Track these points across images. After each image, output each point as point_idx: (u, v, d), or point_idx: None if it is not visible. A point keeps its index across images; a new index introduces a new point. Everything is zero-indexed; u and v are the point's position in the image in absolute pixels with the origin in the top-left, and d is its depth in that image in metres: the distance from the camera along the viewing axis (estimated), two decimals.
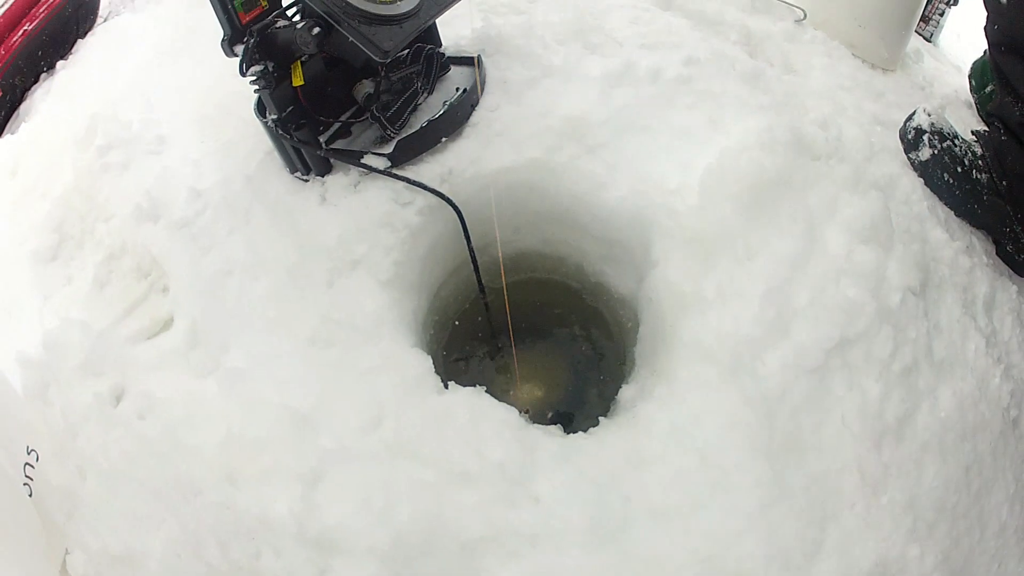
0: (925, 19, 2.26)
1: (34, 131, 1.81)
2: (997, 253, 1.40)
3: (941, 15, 2.28)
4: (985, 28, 1.29)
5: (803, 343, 1.04)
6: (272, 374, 1.04)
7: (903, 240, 1.20)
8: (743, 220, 1.10)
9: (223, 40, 1.15)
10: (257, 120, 1.22)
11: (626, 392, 1.09)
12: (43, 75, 2.08)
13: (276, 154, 1.24)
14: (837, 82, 1.59)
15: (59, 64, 2.05)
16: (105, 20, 2.16)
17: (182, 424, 1.06)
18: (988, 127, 1.39)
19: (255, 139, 1.28)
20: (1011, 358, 1.24)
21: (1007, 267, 1.39)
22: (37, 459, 1.17)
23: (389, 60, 1.09)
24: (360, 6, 1.10)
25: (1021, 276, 1.40)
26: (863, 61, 1.76)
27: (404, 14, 1.12)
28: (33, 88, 2.08)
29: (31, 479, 1.15)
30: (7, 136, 1.91)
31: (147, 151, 1.41)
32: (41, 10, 2.06)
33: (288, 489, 0.97)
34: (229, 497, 1.00)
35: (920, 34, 2.26)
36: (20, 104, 2.07)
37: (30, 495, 1.13)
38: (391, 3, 1.12)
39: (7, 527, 1.09)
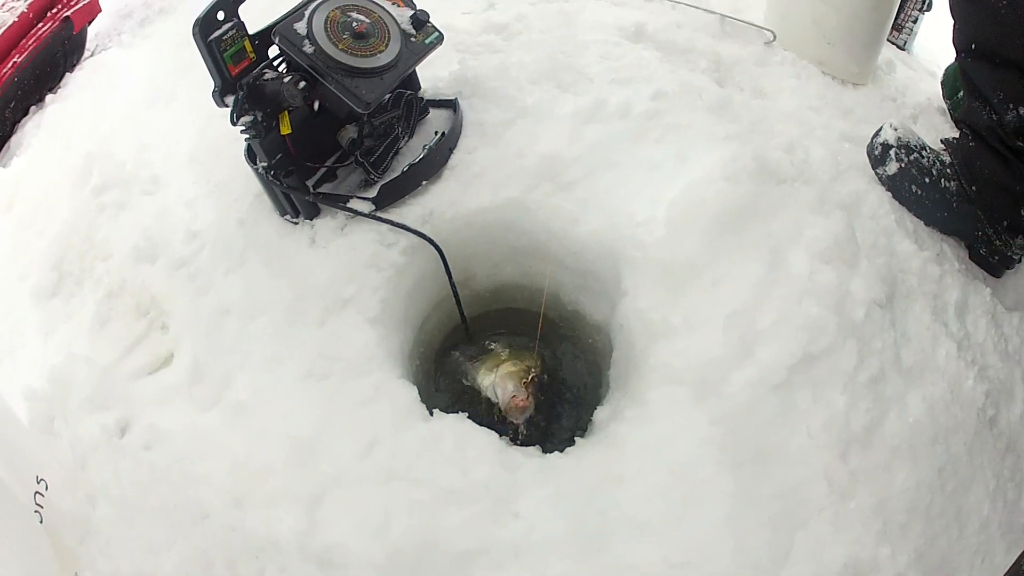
0: (898, 28, 2.26)
1: (28, 166, 1.86)
2: (970, 257, 1.41)
3: (914, 22, 2.27)
4: (952, 34, 1.32)
5: (767, 362, 1.11)
6: (272, 406, 1.12)
7: (869, 255, 1.26)
8: (708, 249, 1.18)
9: (214, 91, 1.22)
10: (246, 164, 1.29)
11: (601, 413, 1.18)
12: (33, 108, 2.13)
13: (266, 196, 1.31)
14: (806, 102, 1.64)
15: (48, 98, 2.10)
16: (92, 54, 2.21)
17: (189, 454, 1.13)
18: (958, 133, 1.42)
19: (245, 181, 1.35)
20: (986, 359, 1.27)
21: (981, 270, 1.40)
22: (47, 488, 1.24)
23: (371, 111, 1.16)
24: (342, 60, 1.17)
25: (997, 277, 1.41)
26: (833, 78, 1.79)
27: (384, 66, 1.19)
28: (23, 121, 2.12)
29: (41, 507, 1.21)
30: None
31: (142, 191, 1.48)
32: (30, 42, 2.09)
33: (291, 511, 1.05)
34: (236, 520, 1.08)
35: (893, 43, 2.26)
36: (11, 137, 2.11)
37: (41, 522, 1.20)
38: (371, 56, 1.20)
39: (19, 551, 1.16)
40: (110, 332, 1.34)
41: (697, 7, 1.78)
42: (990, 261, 1.39)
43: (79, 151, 1.70)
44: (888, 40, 2.06)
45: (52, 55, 2.15)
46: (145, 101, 1.71)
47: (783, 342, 1.13)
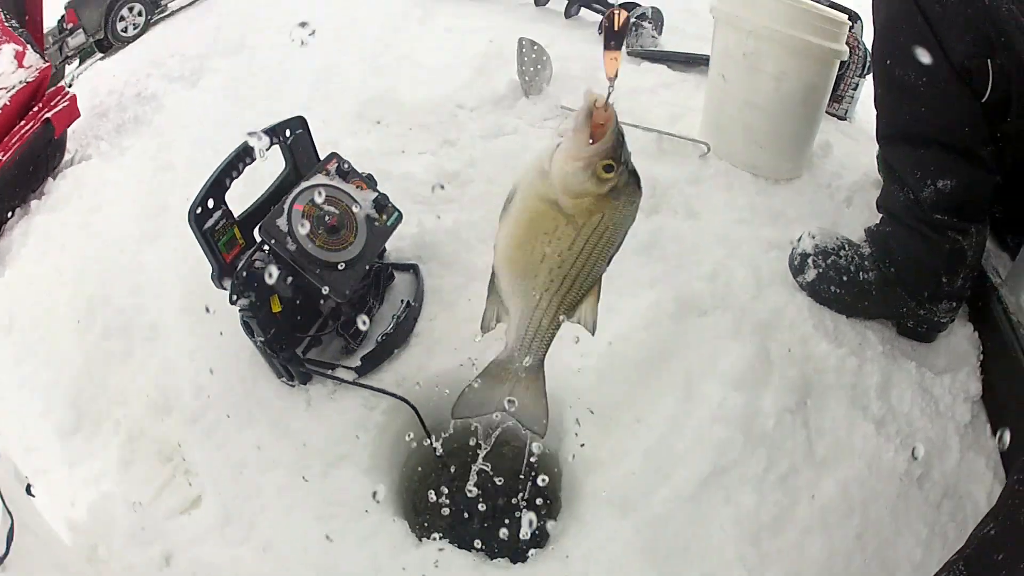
0: (838, 99, 2.24)
1: (20, 285, 1.97)
2: (899, 332, 1.52)
3: (855, 89, 2.25)
4: (876, 126, 1.40)
5: (681, 480, 1.37)
6: (295, 544, 1.38)
7: (781, 369, 1.44)
8: (631, 392, 1.45)
9: (213, 275, 1.42)
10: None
11: (555, 529, 1.46)
12: (18, 211, 2.21)
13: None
14: (735, 215, 1.75)
15: (34, 204, 2.19)
16: (72, 158, 2.30)
17: None
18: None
19: (240, 337, 1.51)
20: (913, 425, 1.40)
21: (910, 342, 1.50)
22: None
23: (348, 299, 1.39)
24: (320, 257, 1.39)
25: (930, 342, 1.51)
26: (766, 179, 1.85)
27: (356, 257, 1.41)
28: (9, 224, 2.22)
29: None
30: None
31: (144, 338, 1.66)
32: (13, 141, 2.15)
33: None
34: None
35: (833, 115, 2.24)
36: None
37: None
38: (344, 249, 1.41)
39: None
40: (136, 473, 1.55)
41: (636, 126, 1.92)
42: (919, 331, 1.49)
43: (70, 276, 1.84)
44: (828, 112, 2.07)
45: (34, 157, 2.21)
46: (132, 237, 1.86)
47: (695, 463, 1.39)
